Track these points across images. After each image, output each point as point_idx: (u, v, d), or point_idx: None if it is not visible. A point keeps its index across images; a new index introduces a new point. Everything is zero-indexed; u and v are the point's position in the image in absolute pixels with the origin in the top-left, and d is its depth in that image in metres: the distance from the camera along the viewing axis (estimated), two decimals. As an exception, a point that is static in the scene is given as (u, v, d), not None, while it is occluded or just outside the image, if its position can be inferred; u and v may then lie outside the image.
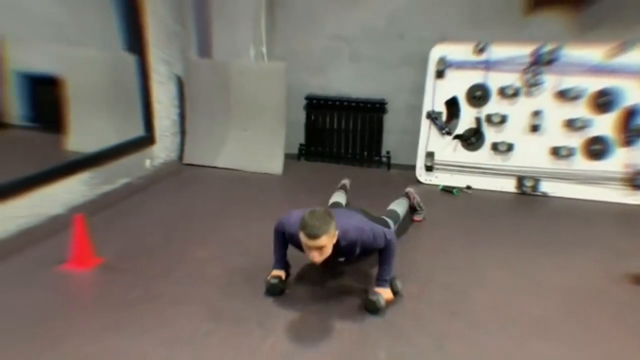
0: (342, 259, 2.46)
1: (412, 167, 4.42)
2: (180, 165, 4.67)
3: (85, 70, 4.13)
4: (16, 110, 4.17)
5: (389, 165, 4.73)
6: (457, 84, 4.19)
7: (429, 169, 4.33)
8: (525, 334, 2.26)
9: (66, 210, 3.41)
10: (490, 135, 4.16)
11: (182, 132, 4.76)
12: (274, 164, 4.47)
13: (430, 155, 4.30)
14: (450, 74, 4.18)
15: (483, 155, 4.20)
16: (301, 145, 4.89)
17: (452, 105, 4.23)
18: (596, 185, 3.95)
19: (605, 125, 3.90)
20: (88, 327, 2.23)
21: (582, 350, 2.16)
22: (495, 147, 4.14)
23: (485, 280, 2.72)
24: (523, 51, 3.98)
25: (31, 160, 3.49)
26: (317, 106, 4.75)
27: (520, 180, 4.10)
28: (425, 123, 4.32)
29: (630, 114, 3.85)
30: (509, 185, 4.14)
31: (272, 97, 4.40)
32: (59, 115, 3.87)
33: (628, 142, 3.88)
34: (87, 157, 3.75)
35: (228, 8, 4.45)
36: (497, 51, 4.05)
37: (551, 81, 3.96)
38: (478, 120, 4.17)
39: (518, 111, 4.06)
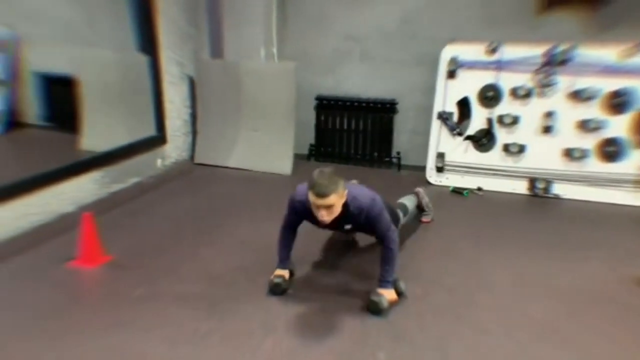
0: (348, 227, 2.47)
1: (423, 168, 4.38)
2: (191, 164, 4.71)
3: (100, 71, 4.20)
4: (33, 110, 4.26)
5: (399, 166, 4.71)
6: (468, 85, 4.14)
7: (439, 170, 4.29)
8: (529, 338, 2.23)
9: (77, 208, 3.47)
10: (502, 136, 4.11)
11: (194, 132, 4.80)
12: (284, 164, 4.48)
13: (440, 156, 4.27)
14: (461, 74, 4.14)
15: (494, 157, 4.14)
16: (311, 145, 4.89)
17: (464, 105, 4.19)
18: (610, 188, 3.87)
19: (619, 126, 3.81)
20: (90, 324, 2.26)
21: (587, 355, 2.12)
22: (506, 148, 4.09)
23: (491, 283, 2.69)
24: (536, 51, 3.92)
25: (47, 159, 3.56)
26: (327, 106, 4.75)
27: (532, 182, 4.04)
28: (436, 124, 4.29)
29: (645, 115, 3.77)
30: (520, 187, 4.08)
31: (282, 97, 4.41)
32: (74, 115, 3.94)
33: (643, 143, 3.80)
34: (98, 156, 3.81)
35: (239, 9, 4.48)
36: (510, 51, 3.99)
37: (564, 82, 3.89)
38: (489, 121, 4.12)
39: (530, 112, 4.00)
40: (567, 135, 3.94)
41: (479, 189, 4.14)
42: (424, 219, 3.49)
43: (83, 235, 2.75)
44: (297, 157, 4.60)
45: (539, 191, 4.01)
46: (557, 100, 3.93)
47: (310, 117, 4.82)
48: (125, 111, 4.28)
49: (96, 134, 4.05)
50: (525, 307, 2.46)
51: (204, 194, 4.00)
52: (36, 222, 3.21)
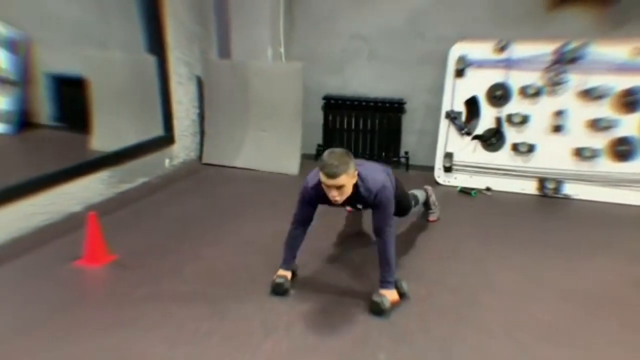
0: (360, 206, 2.48)
1: (431, 168, 4.34)
2: (199, 164, 4.73)
3: (109, 71, 4.24)
4: (45, 110, 4.32)
5: (407, 166, 4.67)
6: (477, 83, 4.09)
7: (447, 170, 4.24)
8: (533, 339, 2.19)
9: (84, 208, 3.50)
10: (511, 135, 4.05)
11: (202, 132, 4.82)
12: (291, 165, 4.47)
13: (449, 156, 4.22)
14: (470, 73, 4.10)
15: (503, 156, 4.09)
16: (319, 145, 4.88)
17: (472, 105, 4.14)
18: (621, 188, 3.79)
19: (631, 125, 3.74)
20: (91, 324, 2.27)
21: (592, 358, 2.08)
22: (515, 147, 4.03)
23: (496, 285, 2.65)
24: (546, 49, 3.86)
25: (57, 160, 3.60)
26: (335, 106, 4.73)
27: (542, 182, 3.97)
28: (444, 123, 4.25)
29: (659, 113, 3.69)
30: (530, 188, 4.02)
31: (290, 97, 4.41)
32: (85, 116, 3.98)
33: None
34: (106, 156, 3.85)
35: (246, 9, 4.48)
36: (519, 49, 3.94)
37: (575, 80, 3.83)
38: (498, 120, 4.07)
39: (540, 111, 3.94)
40: (578, 135, 3.87)
41: (488, 189, 4.08)
42: (431, 217, 3.47)
43: (88, 235, 2.77)
44: (305, 157, 4.59)
45: (549, 191, 3.94)
46: (567, 99, 3.86)
47: (318, 117, 4.80)
48: (134, 111, 4.32)
49: (106, 134, 4.08)
50: (531, 309, 2.42)
51: (211, 194, 4.01)
52: (43, 221, 3.24)
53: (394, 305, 2.38)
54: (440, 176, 4.28)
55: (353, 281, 2.68)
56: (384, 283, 2.40)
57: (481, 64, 4.05)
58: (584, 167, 3.87)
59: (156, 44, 4.18)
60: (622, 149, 3.79)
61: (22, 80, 4.17)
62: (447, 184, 4.23)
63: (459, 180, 4.21)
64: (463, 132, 4.18)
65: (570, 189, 3.92)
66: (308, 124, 4.60)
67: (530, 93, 3.93)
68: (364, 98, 4.64)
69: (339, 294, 2.54)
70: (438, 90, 4.26)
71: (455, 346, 2.14)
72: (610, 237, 3.24)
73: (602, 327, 2.29)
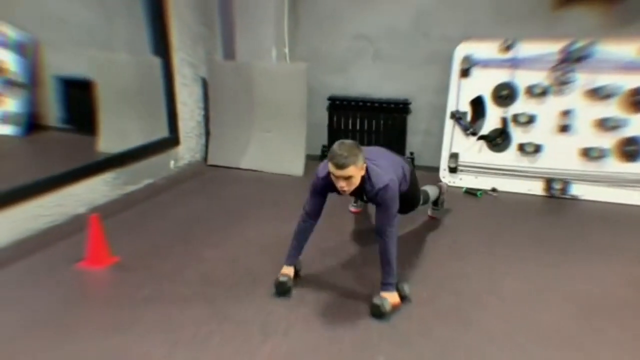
0: (366, 198, 2.49)
1: (437, 169, 4.31)
2: (204, 166, 4.74)
3: (115, 73, 4.27)
4: (53, 112, 4.36)
5: (413, 166, 4.63)
6: (482, 83, 4.05)
7: (453, 170, 4.21)
8: (536, 344, 2.16)
9: (89, 209, 3.52)
10: (517, 135, 4.01)
11: (207, 134, 4.83)
12: (295, 166, 4.47)
13: (454, 156, 4.19)
14: (475, 72, 4.06)
15: (509, 157, 4.04)
16: (324, 146, 4.86)
17: (478, 104, 4.10)
18: (630, 189, 3.73)
19: (640, 125, 3.69)
20: (92, 326, 2.27)
21: (596, 364, 2.05)
22: (522, 148, 3.98)
23: (500, 288, 2.62)
24: (552, 48, 3.81)
25: (64, 161, 3.62)
26: (339, 107, 4.71)
27: (549, 182, 3.92)
28: (449, 123, 4.21)
29: (668, 112, 3.63)
30: (536, 188, 3.98)
31: (294, 97, 4.40)
32: (92, 118, 4.01)
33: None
34: (111, 157, 3.86)
35: (251, 10, 4.48)
36: (525, 48, 3.89)
37: (582, 79, 3.77)
38: (504, 120, 4.03)
39: (546, 111, 3.89)
40: (585, 134, 3.82)
41: (494, 189, 4.04)
42: (431, 213, 3.48)
43: (90, 237, 2.78)
44: (310, 158, 4.58)
45: (556, 192, 3.89)
46: (574, 98, 3.81)
47: (323, 117, 4.79)
48: (140, 113, 4.34)
49: (112, 136, 4.11)
50: (535, 313, 2.39)
51: (216, 195, 4.01)
52: (48, 223, 3.27)
53: (395, 308, 2.36)
54: (445, 177, 4.25)
55: (354, 283, 2.67)
56: (385, 285, 2.38)
57: (487, 64, 4.02)
58: (592, 168, 3.82)
59: (161, 45, 4.20)
60: (630, 149, 3.73)
61: (31, 83, 4.22)
62: (452, 184, 4.19)
63: (464, 180, 4.18)
64: (468, 132, 4.14)
65: (578, 190, 3.86)
66: (313, 124, 4.59)
67: (537, 92, 3.88)
68: (369, 98, 4.62)
69: (340, 296, 2.53)
70: (443, 91, 4.23)
71: (456, 351, 2.12)
72: (619, 238, 3.19)
73: (607, 331, 2.25)
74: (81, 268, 2.78)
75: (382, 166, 2.43)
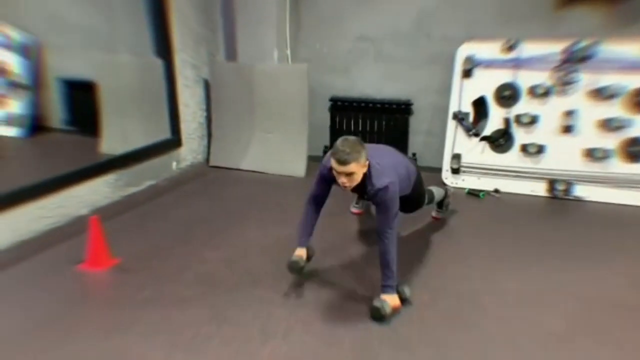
0: (366, 196, 2.49)
1: (439, 170, 4.29)
2: (206, 167, 4.74)
3: (118, 75, 4.27)
4: (57, 114, 4.37)
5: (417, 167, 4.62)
6: (485, 84, 4.03)
7: (455, 171, 4.19)
8: (537, 348, 2.14)
9: (91, 211, 3.52)
10: (520, 136, 3.99)
11: (209, 135, 4.83)
12: (297, 167, 4.46)
13: (456, 157, 4.17)
14: (478, 73, 4.04)
15: (512, 158, 4.02)
16: (326, 147, 4.85)
17: (480, 105, 4.08)
18: (634, 189, 3.70)
19: (644, 125, 3.65)
20: (91, 328, 2.27)
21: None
22: (524, 149, 3.96)
23: (502, 291, 2.60)
24: (555, 48, 3.78)
25: (67, 163, 3.63)
26: (341, 108, 4.70)
27: (552, 183, 3.90)
28: (451, 124, 4.19)
29: (673, 113, 3.59)
30: (539, 189, 3.95)
31: (296, 99, 4.39)
32: (95, 119, 4.02)
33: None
34: (113, 159, 3.87)
35: (252, 11, 4.48)
36: (528, 48, 3.87)
37: (586, 79, 3.75)
38: (507, 121, 4.01)
39: (549, 111, 3.87)
40: (589, 135, 3.79)
41: (496, 190, 4.02)
42: (435, 214, 3.46)
43: (90, 238, 2.79)
44: (312, 159, 4.56)
45: (559, 193, 3.87)
46: (577, 99, 3.78)
47: (325, 118, 4.78)
48: (142, 115, 4.35)
49: (115, 137, 4.12)
50: (538, 316, 2.37)
51: (217, 197, 4.01)
52: (50, 225, 3.27)
53: (395, 311, 2.35)
54: (447, 178, 4.23)
55: (355, 284, 2.65)
56: (385, 287, 2.36)
57: (489, 64, 4.00)
58: (596, 168, 3.79)
59: (163, 46, 4.20)
60: (634, 150, 3.70)
61: (34, 85, 4.23)
62: (454, 185, 4.17)
63: (467, 182, 4.16)
64: (471, 133, 4.12)
65: (581, 191, 3.84)
66: (315, 125, 4.58)
67: (540, 93, 3.86)
68: (371, 99, 4.61)
69: (340, 298, 2.52)
70: (445, 91, 4.21)
71: (455, 355, 2.10)
72: (623, 240, 3.16)
73: (612, 334, 2.23)
74: (82, 270, 2.78)
75: (385, 165, 2.42)
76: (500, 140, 4.05)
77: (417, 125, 4.56)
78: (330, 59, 4.69)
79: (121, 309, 2.42)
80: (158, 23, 4.13)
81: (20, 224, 3.09)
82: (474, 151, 4.13)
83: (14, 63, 4.13)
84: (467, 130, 4.13)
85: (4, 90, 4.12)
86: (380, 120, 4.61)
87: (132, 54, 4.30)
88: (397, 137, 4.60)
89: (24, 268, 2.82)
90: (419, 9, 4.30)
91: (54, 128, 4.40)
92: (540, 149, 3.91)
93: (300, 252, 2.58)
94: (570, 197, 3.85)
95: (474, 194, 4.00)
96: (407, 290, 2.44)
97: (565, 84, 3.79)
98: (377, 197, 2.34)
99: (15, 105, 4.17)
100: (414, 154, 4.61)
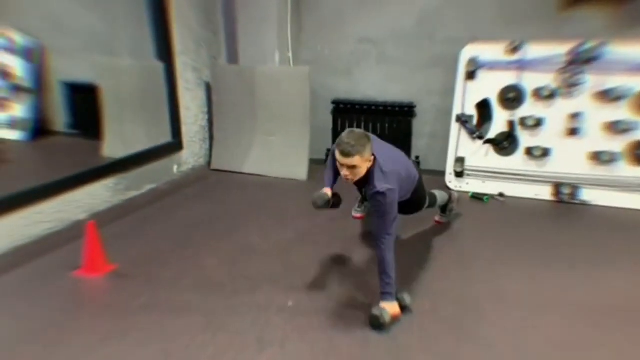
0: (366, 195, 2.48)
1: (442, 173, 4.24)
2: (208, 171, 4.71)
3: (120, 78, 4.26)
4: (60, 117, 4.36)
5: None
6: (489, 86, 3.98)
7: (459, 175, 4.13)
8: (541, 357, 2.08)
9: (90, 215, 3.50)
10: (525, 139, 3.92)
11: (211, 138, 4.80)
12: (299, 170, 4.42)
13: (460, 160, 4.11)
14: (481, 75, 3.98)
15: (517, 161, 3.96)
16: (328, 150, 4.81)
17: (484, 108, 4.03)
18: (641, 194, 3.64)
19: (652, 128, 3.58)
20: (85, 335, 2.24)
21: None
22: (529, 152, 3.90)
23: (505, 298, 2.54)
24: (560, 50, 3.72)
25: (69, 167, 3.61)
26: (344, 111, 4.67)
27: (557, 187, 3.83)
28: (455, 127, 4.14)
29: (681, 115, 3.52)
30: (544, 193, 3.88)
31: (297, 101, 4.36)
32: (97, 123, 4.00)
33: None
34: (113, 163, 3.85)
35: (254, 13, 4.45)
36: (533, 50, 3.81)
37: (592, 81, 3.68)
38: (511, 123, 3.94)
39: (555, 114, 3.81)
40: (595, 138, 3.72)
41: (501, 194, 3.96)
42: (438, 219, 3.40)
43: (87, 244, 2.76)
44: (314, 163, 4.53)
45: (565, 197, 3.80)
46: (583, 101, 3.72)
47: (327, 121, 4.74)
48: (144, 118, 4.32)
49: (117, 141, 4.10)
50: (541, 324, 2.31)
51: (218, 201, 3.98)
52: (48, 230, 3.25)
53: (395, 319, 2.30)
54: (451, 181, 4.17)
55: (354, 292, 2.60)
56: (384, 295, 2.31)
57: (493, 66, 3.94)
58: (602, 172, 3.72)
59: (164, 49, 4.18)
60: (642, 153, 3.63)
61: (37, 88, 4.22)
62: (458, 189, 4.12)
63: (470, 185, 4.10)
64: (475, 136, 4.06)
65: (588, 195, 3.77)
66: (317, 128, 4.55)
67: (545, 95, 3.80)
68: (374, 102, 4.57)
69: (339, 306, 2.47)
70: (449, 93, 4.16)
71: (456, 363, 2.05)
72: (630, 245, 3.09)
73: (617, 340, 2.17)
74: (78, 276, 2.75)
75: (387, 167, 2.35)
76: (505, 143, 3.98)
77: (420, 128, 4.51)
78: (332, 61, 4.65)
79: (116, 316, 2.38)
80: (159, 26, 4.11)
81: (17, 229, 3.07)
82: (478, 154, 4.07)
83: (17, 66, 4.12)
84: (471, 133, 4.07)
85: (7, 93, 4.11)
86: (383, 123, 4.57)
87: (134, 57, 4.28)
88: (400, 140, 4.54)
89: (19, 274, 2.79)
90: (421, 11, 4.26)
91: (57, 131, 4.39)
92: (545, 152, 3.85)
93: (327, 190, 2.59)
94: (576, 201, 3.78)
95: (478, 197, 3.94)
96: (407, 298, 2.39)
97: (570, 86, 3.73)
98: (375, 200, 2.29)
99: (19, 109, 4.17)
100: (417, 157, 4.56)
